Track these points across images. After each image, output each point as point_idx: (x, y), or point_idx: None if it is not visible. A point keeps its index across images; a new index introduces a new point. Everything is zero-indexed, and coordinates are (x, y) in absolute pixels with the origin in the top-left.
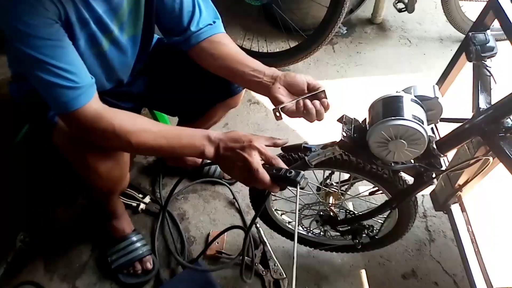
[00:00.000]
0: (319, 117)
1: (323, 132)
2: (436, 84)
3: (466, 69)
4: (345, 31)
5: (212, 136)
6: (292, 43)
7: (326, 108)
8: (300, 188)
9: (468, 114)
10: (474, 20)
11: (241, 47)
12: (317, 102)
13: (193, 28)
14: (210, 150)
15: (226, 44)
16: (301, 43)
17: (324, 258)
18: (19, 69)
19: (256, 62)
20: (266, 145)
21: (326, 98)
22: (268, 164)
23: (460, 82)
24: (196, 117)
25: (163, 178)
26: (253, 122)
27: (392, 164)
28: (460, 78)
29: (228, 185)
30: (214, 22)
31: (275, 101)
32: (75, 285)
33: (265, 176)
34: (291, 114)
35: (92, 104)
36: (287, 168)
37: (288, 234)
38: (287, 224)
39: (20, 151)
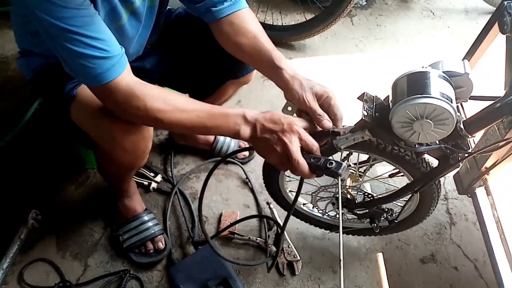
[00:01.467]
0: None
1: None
2: (464, 58)
3: (497, 41)
4: (365, 3)
5: (248, 116)
6: (308, 16)
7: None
8: (342, 180)
9: (500, 92)
10: None
11: None
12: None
13: None
14: (245, 130)
15: (248, 29)
16: (318, 15)
17: None
18: (33, 43)
19: (276, 52)
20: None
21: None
22: (307, 151)
23: (491, 56)
24: (207, 94)
25: (175, 157)
26: (267, 100)
27: (416, 145)
28: (490, 52)
29: (240, 164)
30: None
31: (291, 94)
32: (87, 264)
33: (305, 166)
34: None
35: (125, 77)
36: (326, 158)
37: (302, 215)
38: (302, 206)
39: (31, 127)
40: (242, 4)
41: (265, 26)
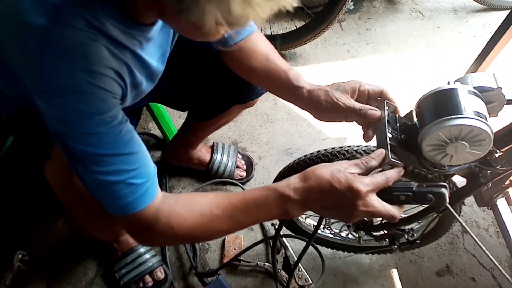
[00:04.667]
0: None
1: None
2: (473, 64)
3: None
4: (352, 7)
5: (289, 193)
6: (298, 23)
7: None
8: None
9: None
10: None
11: None
12: None
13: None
14: (294, 209)
15: (258, 51)
16: (308, 22)
17: (352, 259)
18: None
19: (292, 71)
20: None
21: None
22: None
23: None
24: (210, 116)
25: (170, 180)
26: (262, 113)
27: (446, 167)
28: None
29: (240, 184)
30: None
31: (321, 107)
32: None
33: (397, 214)
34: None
35: (155, 202)
36: (412, 187)
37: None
38: (312, 228)
39: (7, 163)
40: (252, 27)
41: None
